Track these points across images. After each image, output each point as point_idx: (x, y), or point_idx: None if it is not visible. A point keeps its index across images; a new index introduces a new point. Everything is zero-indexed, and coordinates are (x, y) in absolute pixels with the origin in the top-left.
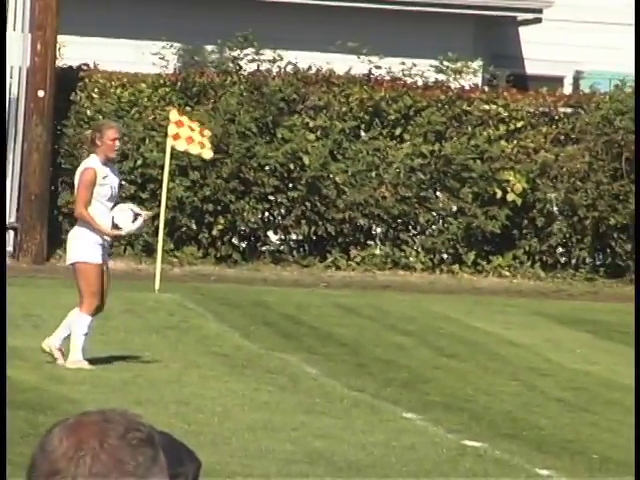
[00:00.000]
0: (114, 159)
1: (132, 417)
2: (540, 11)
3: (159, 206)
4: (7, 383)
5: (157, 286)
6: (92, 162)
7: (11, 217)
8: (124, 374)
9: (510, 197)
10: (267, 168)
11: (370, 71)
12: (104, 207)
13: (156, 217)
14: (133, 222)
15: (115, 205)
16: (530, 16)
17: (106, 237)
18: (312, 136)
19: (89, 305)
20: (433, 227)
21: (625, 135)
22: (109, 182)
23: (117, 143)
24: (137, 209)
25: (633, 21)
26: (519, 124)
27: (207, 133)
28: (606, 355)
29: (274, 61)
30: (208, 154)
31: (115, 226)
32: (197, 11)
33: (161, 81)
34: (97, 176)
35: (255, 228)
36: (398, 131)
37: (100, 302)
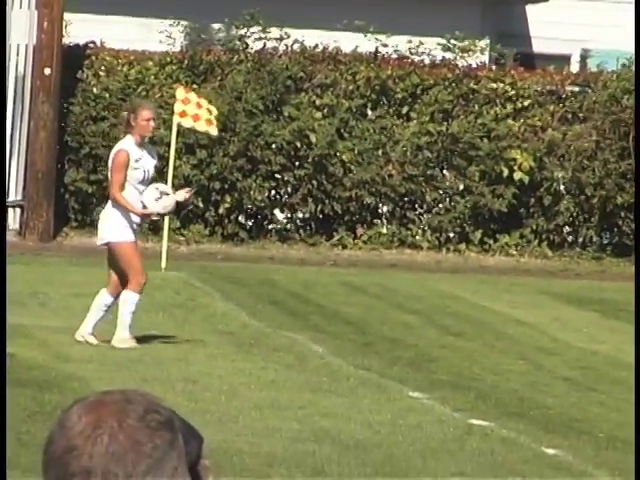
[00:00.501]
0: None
1: (153, 399)
2: None
3: (166, 184)
4: (10, 363)
5: (164, 264)
6: (126, 144)
7: (18, 195)
8: (131, 352)
9: (517, 176)
10: (274, 146)
11: (377, 49)
12: (136, 191)
13: None
14: (157, 200)
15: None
16: None
17: (136, 219)
18: (319, 114)
19: (137, 283)
20: (440, 206)
21: (632, 114)
22: (142, 165)
23: (152, 123)
24: (165, 188)
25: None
26: (526, 102)
27: (213, 110)
28: (613, 334)
29: (281, 39)
30: (214, 131)
31: (143, 205)
32: None
33: (168, 59)
34: (130, 159)
35: (262, 206)
36: (405, 109)
37: (146, 278)
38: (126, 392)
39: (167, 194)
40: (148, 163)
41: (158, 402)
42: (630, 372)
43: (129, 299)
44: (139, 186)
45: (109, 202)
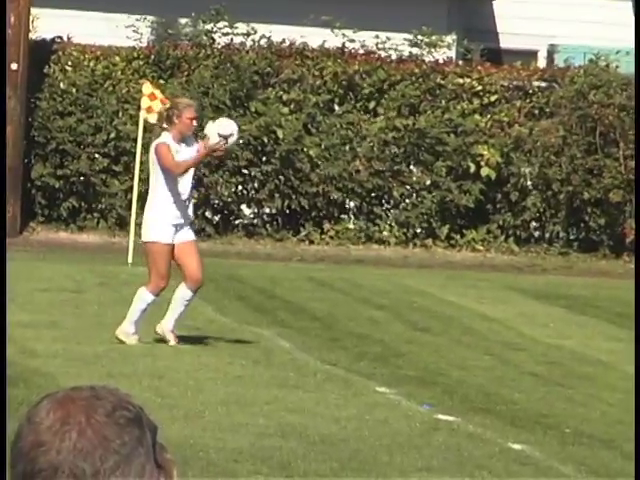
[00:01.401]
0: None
1: (122, 396)
2: None
3: (132, 179)
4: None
5: (130, 259)
6: (164, 138)
7: None
8: (97, 347)
9: (484, 171)
10: (241, 141)
11: (344, 45)
12: (178, 186)
13: (129, 190)
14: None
15: (187, 184)
16: None
17: (178, 219)
18: (286, 109)
19: (155, 286)
20: (407, 201)
21: (599, 109)
22: (182, 158)
23: (194, 122)
24: (225, 129)
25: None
26: (493, 98)
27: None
28: (580, 329)
29: (248, 34)
30: None
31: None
32: None
33: (135, 54)
34: (170, 150)
35: (228, 202)
36: (372, 105)
37: (166, 284)
38: (95, 388)
39: (231, 135)
40: (187, 156)
41: (127, 399)
42: (597, 367)
43: (143, 298)
44: (182, 181)
45: (148, 202)
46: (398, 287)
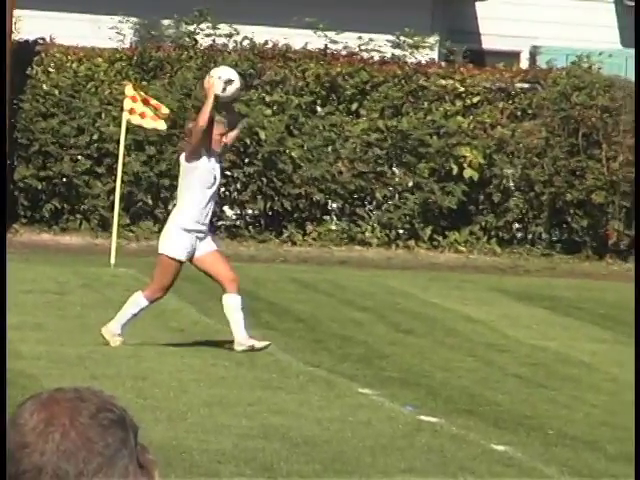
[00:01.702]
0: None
1: (106, 397)
2: None
3: (115, 181)
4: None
5: (113, 261)
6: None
7: None
8: (81, 349)
9: (467, 173)
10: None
11: (327, 46)
12: (204, 197)
13: (112, 192)
14: (223, 91)
15: (214, 194)
16: None
17: (199, 223)
18: (268, 111)
19: (152, 294)
20: (389, 202)
21: (582, 111)
22: (211, 170)
23: (223, 139)
24: (228, 76)
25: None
26: (476, 99)
27: (165, 110)
28: (563, 331)
29: (230, 36)
30: (162, 125)
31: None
32: None
33: (117, 55)
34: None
35: None
36: (354, 106)
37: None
38: (79, 390)
39: (231, 81)
40: (216, 168)
41: (111, 400)
42: (580, 369)
43: (137, 302)
44: (207, 191)
45: (171, 216)
46: (381, 288)
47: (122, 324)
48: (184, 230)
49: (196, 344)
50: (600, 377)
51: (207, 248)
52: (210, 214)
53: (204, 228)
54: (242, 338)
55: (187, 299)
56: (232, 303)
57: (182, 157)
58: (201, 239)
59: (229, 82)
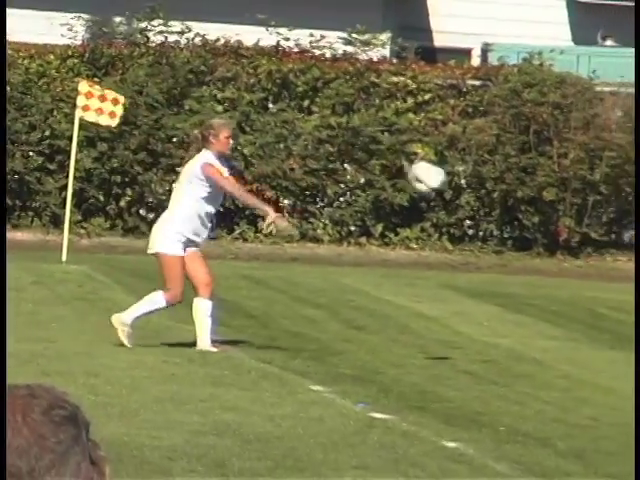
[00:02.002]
0: (227, 155)
1: (58, 394)
2: None
3: (67, 177)
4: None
5: (64, 257)
6: (208, 157)
7: None
8: (33, 346)
9: None
10: (175, 140)
11: (279, 43)
12: (202, 204)
13: (63, 188)
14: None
15: (218, 200)
16: None
17: (192, 234)
18: (220, 108)
19: (172, 297)
20: (341, 199)
21: (533, 108)
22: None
23: (231, 140)
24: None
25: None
26: (427, 96)
27: (121, 99)
28: (515, 328)
29: (182, 33)
30: (114, 123)
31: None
32: None
33: (69, 52)
34: (218, 170)
35: (163, 200)
36: (306, 103)
37: (180, 300)
38: (32, 387)
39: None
40: (225, 174)
41: (64, 397)
42: (532, 366)
43: (156, 300)
44: (210, 198)
45: (166, 212)
46: (334, 285)
47: (134, 317)
48: (182, 231)
49: (148, 340)
50: (552, 374)
51: (190, 249)
52: (209, 228)
53: (200, 241)
54: (206, 344)
55: (137, 295)
56: (202, 307)
57: (197, 165)
58: (194, 244)
59: (424, 183)
